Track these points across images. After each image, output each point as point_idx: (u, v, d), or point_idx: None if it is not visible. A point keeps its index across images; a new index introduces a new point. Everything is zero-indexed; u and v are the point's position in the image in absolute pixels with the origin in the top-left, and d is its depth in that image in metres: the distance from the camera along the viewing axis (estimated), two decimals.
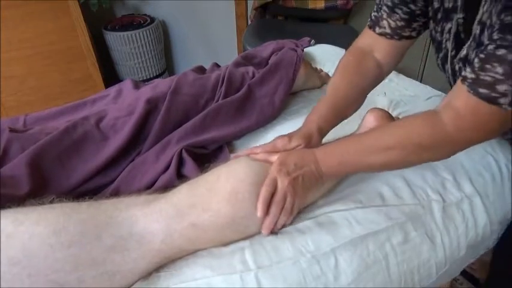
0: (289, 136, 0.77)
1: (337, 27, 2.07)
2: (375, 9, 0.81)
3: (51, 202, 0.65)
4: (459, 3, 0.66)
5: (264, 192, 0.65)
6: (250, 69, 1.18)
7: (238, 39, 2.28)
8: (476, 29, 0.64)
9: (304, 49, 1.28)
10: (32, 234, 0.57)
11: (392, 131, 0.67)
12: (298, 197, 0.69)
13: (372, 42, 0.83)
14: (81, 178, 0.83)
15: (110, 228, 0.61)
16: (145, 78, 2.36)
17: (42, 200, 0.66)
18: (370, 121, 0.85)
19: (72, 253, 0.57)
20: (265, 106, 1.07)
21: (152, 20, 2.27)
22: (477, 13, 0.63)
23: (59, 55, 1.96)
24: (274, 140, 0.78)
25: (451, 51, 0.73)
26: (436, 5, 0.72)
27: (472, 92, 0.56)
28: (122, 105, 0.99)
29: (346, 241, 0.70)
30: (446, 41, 0.74)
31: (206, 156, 0.93)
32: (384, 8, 0.78)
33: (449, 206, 0.80)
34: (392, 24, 0.78)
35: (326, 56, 1.40)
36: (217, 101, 1.04)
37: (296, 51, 1.21)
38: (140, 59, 2.27)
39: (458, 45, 0.71)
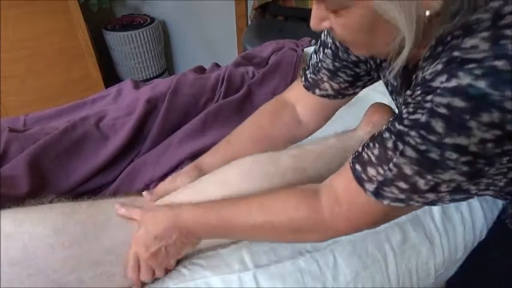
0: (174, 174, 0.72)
1: None
2: (310, 71, 0.72)
3: (51, 202, 0.66)
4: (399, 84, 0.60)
5: (130, 272, 0.61)
6: (250, 69, 1.18)
7: (238, 39, 2.27)
8: None
9: (304, 49, 1.28)
10: (32, 234, 0.57)
11: (263, 209, 0.57)
12: (169, 262, 0.63)
13: (299, 97, 0.76)
14: (80, 178, 0.83)
15: (109, 228, 0.61)
16: (145, 78, 2.36)
17: (42, 200, 0.66)
18: (375, 117, 0.77)
19: (72, 253, 0.58)
20: None
21: (152, 20, 2.27)
22: None
23: (59, 55, 1.95)
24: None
25: None
26: (383, 78, 0.67)
27: (351, 166, 0.50)
28: (121, 105, 1.00)
29: (345, 241, 0.70)
30: None
31: None
32: (324, 71, 0.70)
33: (448, 206, 0.80)
34: (336, 86, 0.70)
35: None
36: (217, 101, 1.04)
37: (296, 51, 1.21)
38: (140, 59, 2.27)
39: None
